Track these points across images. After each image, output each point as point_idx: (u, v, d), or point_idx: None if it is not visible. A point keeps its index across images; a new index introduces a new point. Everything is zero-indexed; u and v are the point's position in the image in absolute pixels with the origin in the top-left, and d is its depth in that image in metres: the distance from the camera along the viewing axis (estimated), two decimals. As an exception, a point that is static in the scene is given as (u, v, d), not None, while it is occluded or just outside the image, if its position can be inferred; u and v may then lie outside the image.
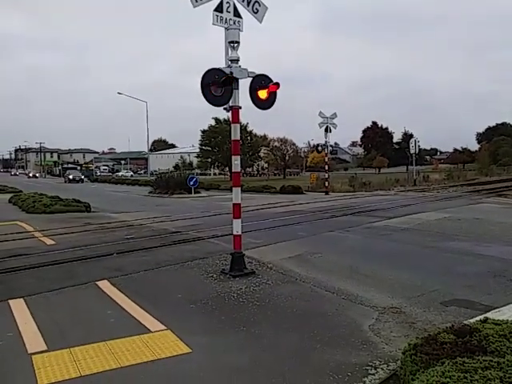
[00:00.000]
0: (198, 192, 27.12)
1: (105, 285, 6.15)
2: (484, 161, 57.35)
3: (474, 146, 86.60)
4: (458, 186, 31.90)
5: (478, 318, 3.97)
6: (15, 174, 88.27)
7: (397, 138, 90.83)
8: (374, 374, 3.55)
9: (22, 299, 5.51)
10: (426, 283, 6.14)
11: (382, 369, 3.64)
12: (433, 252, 8.26)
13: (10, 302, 5.42)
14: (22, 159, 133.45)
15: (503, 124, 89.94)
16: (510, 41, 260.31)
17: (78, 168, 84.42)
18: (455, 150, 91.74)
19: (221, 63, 6.60)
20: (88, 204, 17.10)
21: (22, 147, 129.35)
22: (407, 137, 75.65)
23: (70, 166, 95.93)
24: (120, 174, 75.48)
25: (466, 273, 6.67)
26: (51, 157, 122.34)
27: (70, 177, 55.18)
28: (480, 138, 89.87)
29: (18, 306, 5.26)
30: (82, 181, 54.17)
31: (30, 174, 78.34)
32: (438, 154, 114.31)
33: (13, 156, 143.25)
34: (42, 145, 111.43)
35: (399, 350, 3.81)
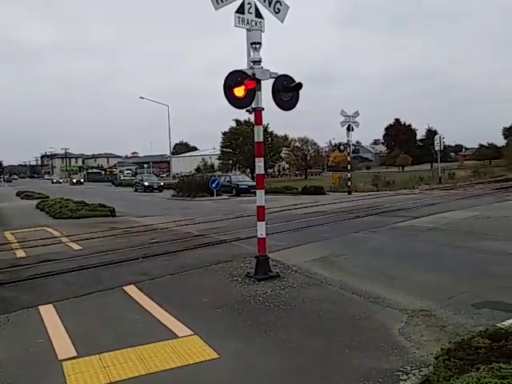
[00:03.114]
0: (220, 194, 27.23)
1: (131, 289, 6.20)
2: (511, 157, 55.72)
3: (500, 141, 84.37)
4: (485, 182, 31.21)
5: (512, 322, 3.84)
6: (58, 182, 78.74)
7: (420, 135, 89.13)
8: (405, 380, 3.46)
9: (51, 305, 5.59)
10: (456, 285, 5.98)
11: (414, 374, 3.54)
12: (462, 252, 8.06)
13: (40, 308, 5.51)
14: (47, 165, 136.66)
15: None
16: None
17: (104, 172, 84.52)
18: (481, 145, 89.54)
19: (242, 65, 6.60)
20: (113, 208, 17.34)
21: (47, 153, 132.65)
22: (431, 133, 74.24)
23: (94, 170, 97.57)
24: (143, 177, 76.23)
25: (498, 273, 6.47)
26: (76, 162, 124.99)
27: (146, 184, 39.36)
28: (507, 132, 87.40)
29: (48, 312, 5.34)
30: (160, 189, 38.11)
31: (74, 180, 71.39)
32: (463, 150, 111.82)
33: (39, 162, 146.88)
34: (66, 150, 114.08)
35: (431, 354, 3.71)
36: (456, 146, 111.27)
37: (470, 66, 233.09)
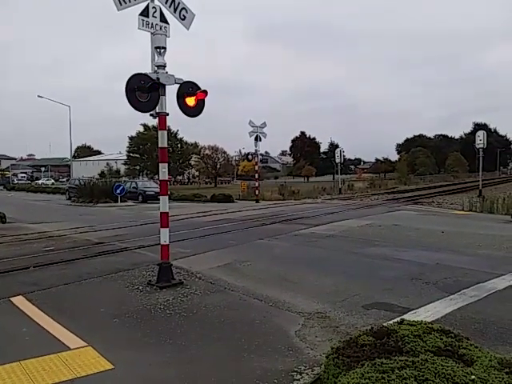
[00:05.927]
0: (125, 201, 26.28)
1: (20, 301, 5.74)
2: (403, 170, 61.04)
3: (394, 156, 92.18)
4: (380, 194, 33.70)
5: (395, 320, 4.18)
6: None
7: (324, 148, 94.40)
8: (299, 380, 3.61)
9: None
10: (349, 288, 6.39)
11: (307, 374, 3.71)
12: (356, 258, 8.62)
13: None
14: None
15: (420, 136, 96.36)
16: (429, 59, 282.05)
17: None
18: (377, 160, 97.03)
19: (149, 69, 6.48)
20: (3, 214, 15.93)
21: None
22: (333, 147, 78.84)
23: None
24: (40, 181, 70.74)
25: (386, 277, 7.03)
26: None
27: None
28: (399, 148, 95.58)
29: None
30: None
31: None
32: (362, 163, 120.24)
33: None
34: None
35: (323, 354, 3.90)
36: (355, 159, 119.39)
37: (370, 86, 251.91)
